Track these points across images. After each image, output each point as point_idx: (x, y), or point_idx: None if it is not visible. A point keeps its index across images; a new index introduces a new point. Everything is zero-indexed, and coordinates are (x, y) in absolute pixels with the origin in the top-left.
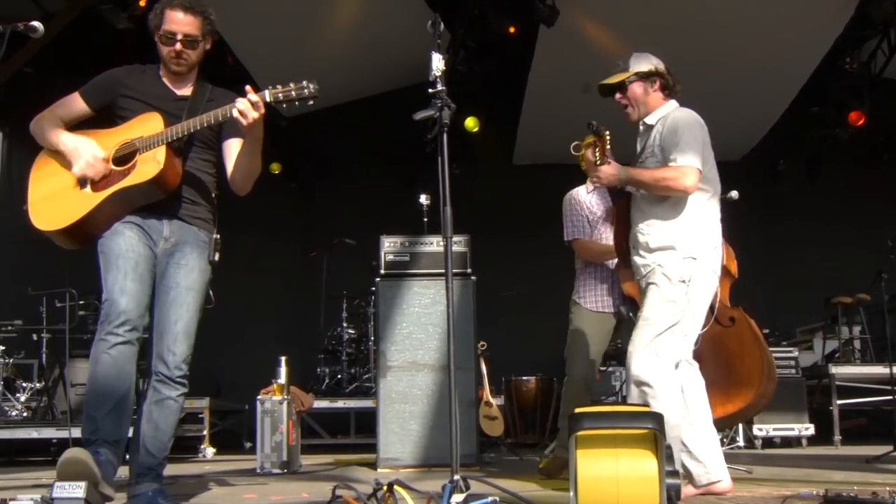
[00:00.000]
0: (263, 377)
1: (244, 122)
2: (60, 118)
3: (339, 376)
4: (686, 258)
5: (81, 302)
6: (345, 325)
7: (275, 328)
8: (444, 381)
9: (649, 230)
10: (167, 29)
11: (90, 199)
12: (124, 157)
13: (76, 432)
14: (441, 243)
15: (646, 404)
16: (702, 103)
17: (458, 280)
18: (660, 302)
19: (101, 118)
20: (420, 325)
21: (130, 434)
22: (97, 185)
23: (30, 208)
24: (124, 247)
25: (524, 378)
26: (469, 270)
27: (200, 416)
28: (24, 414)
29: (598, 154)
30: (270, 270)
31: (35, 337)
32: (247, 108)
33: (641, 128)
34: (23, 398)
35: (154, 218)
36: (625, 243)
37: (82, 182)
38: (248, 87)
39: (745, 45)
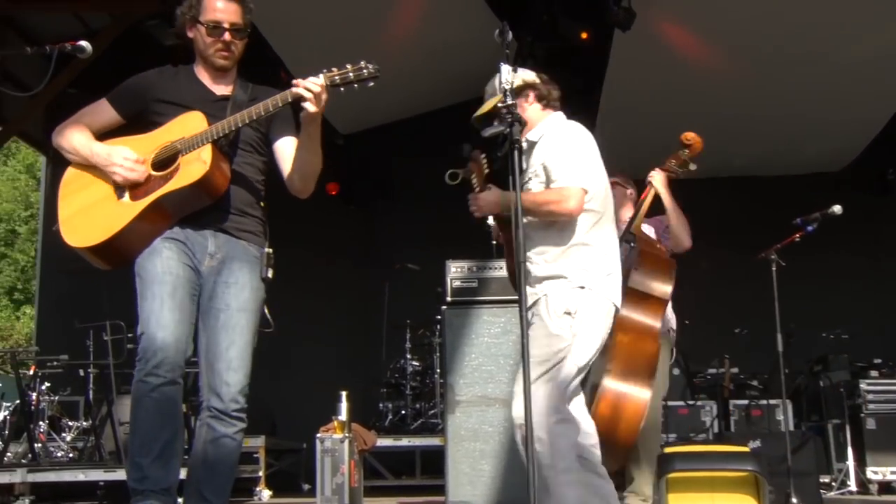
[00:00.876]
0: (322, 413)
1: (309, 108)
2: (88, 126)
3: (404, 412)
4: (574, 288)
5: (130, 335)
6: (409, 356)
7: (333, 359)
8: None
9: (537, 258)
10: (211, 18)
11: (129, 210)
12: (165, 161)
13: (124, 475)
14: None
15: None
16: (802, 108)
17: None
18: (543, 337)
19: (129, 127)
20: (490, 356)
21: (183, 475)
22: (136, 193)
23: (61, 226)
24: (160, 269)
25: None
26: None
27: (255, 455)
28: (71, 455)
29: (475, 180)
30: (328, 297)
31: (81, 373)
32: (308, 90)
33: (525, 146)
34: (69, 438)
35: (197, 232)
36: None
37: (119, 192)
38: (297, 81)
39: (849, 40)
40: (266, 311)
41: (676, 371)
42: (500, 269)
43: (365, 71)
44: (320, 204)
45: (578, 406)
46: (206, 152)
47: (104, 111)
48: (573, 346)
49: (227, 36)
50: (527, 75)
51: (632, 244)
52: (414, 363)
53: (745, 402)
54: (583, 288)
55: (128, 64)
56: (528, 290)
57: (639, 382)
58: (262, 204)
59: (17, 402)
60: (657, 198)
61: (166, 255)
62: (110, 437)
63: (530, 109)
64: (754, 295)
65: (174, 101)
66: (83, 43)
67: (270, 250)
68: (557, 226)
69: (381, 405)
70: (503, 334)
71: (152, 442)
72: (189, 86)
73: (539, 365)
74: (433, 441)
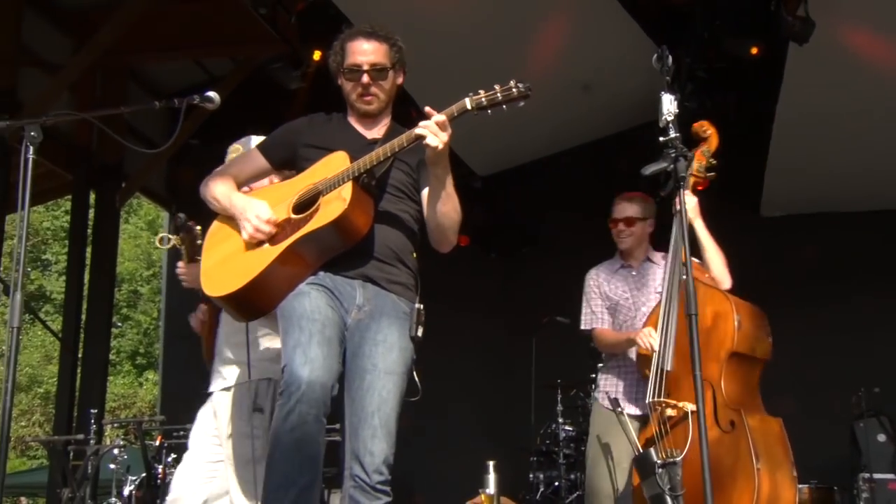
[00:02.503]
0: (466, 485)
1: (430, 148)
2: (234, 178)
3: (557, 483)
4: None
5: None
6: (560, 420)
7: (477, 425)
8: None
9: None
10: (351, 62)
11: (267, 255)
12: (306, 203)
13: None
14: None
15: None
16: None
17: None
18: None
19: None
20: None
21: None
22: (275, 239)
23: (201, 276)
24: (309, 307)
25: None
26: None
27: None
28: None
29: (183, 251)
30: (467, 355)
31: None
32: (430, 128)
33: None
34: None
35: (345, 280)
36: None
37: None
38: (428, 109)
39: None
40: (415, 375)
41: (882, 437)
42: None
43: (514, 90)
44: (455, 252)
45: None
46: (346, 190)
47: (254, 160)
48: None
49: (364, 78)
50: None
51: (685, 276)
52: (567, 428)
53: None
54: None
55: (251, 110)
56: None
57: (787, 478)
58: (414, 255)
59: (143, 475)
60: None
61: (314, 296)
62: None
63: None
64: None
65: (322, 146)
66: (211, 94)
67: (421, 306)
68: None
69: (531, 476)
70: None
71: (289, 486)
72: (340, 131)
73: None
74: None
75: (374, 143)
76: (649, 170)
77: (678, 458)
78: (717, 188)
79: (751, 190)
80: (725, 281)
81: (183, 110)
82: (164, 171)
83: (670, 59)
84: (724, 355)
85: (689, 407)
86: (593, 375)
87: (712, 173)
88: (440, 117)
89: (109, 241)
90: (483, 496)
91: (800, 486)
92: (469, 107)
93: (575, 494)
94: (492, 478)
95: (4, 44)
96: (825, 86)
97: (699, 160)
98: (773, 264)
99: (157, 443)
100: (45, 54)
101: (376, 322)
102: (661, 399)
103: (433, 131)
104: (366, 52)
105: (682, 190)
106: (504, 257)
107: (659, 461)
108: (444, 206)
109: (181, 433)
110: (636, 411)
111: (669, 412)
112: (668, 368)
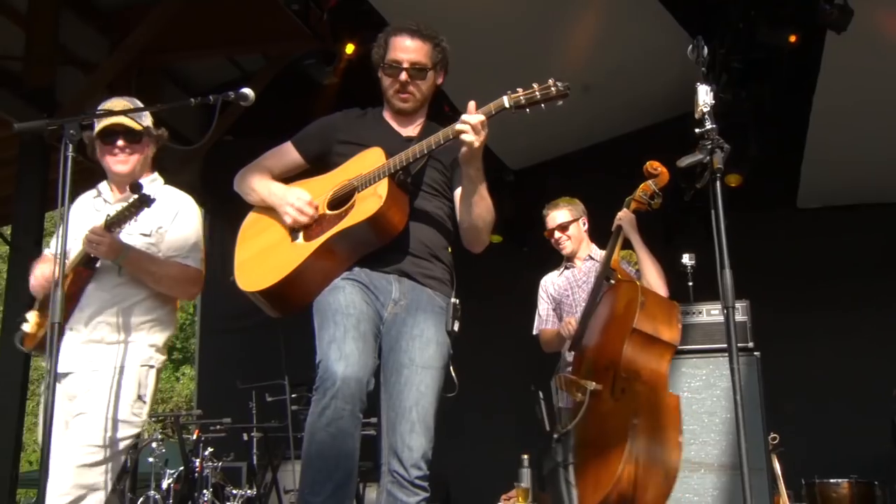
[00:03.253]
0: (501, 479)
1: (466, 146)
2: (269, 170)
3: None
4: None
5: (294, 395)
6: None
7: (512, 418)
8: (726, 484)
9: None
10: (392, 58)
11: (302, 251)
12: (341, 199)
13: None
14: (713, 312)
15: None
16: None
17: (739, 357)
18: None
19: (312, 170)
20: (691, 413)
21: None
22: (310, 234)
23: (236, 271)
24: (344, 302)
25: (832, 481)
26: (751, 344)
27: None
28: None
29: (113, 218)
30: (501, 348)
31: (245, 437)
32: (469, 125)
33: None
34: None
35: (380, 275)
36: None
37: (294, 234)
38: (471, 104)
39: None
40: (452, 370)
41: None
42: (698, 315)
43: (553, 89)
44: (488, 246)
45: None
46: (381, 187)
47: (287, 154)
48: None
49: (402, 76)
50: None
51: (611, 280)
52: None
53: None
54: None
55: (283, 106)
56: None
57: (670, 441)
58: (449, 250)
59: (181, 468)
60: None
61: (349, 290)
62: None
63: None
64: None
65: (357, 142)
66: (246, 90)
67: (457, 301)
68: None
69: None
70: (705, 388)
71: (325, 481)
72: (375, 127)
73: None
74: None
75: (409, 140)
76: (685, 162)
77: (570, 427)
78: (754, 181)
79: (787, 182)
80: (660, 292)
81: (218, 107)
82: (198, 168)
83: (706, 49)
84: (627, 333)
85: (591, 385)
86: None
87: (656, 202)
88: (479, 116)
89: None
90: (518, 490)
91: (839, 480)
92: (507, 105)
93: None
94: (526, 472)
95: (42, 44)
96: (863, 74)
97: (645, 189)
98: (810, 257)
99: (195, 437)
100: (81, 53)
101: (412, 316)
102: (566, 375)
103: (474, 129)
104: (407, 49)
105: (717, 182)
106: (535, 251)
107: (555, 434)
108: (476, 208)
109: (218, 427)
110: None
111: (575, 393)
112: (578, 351)
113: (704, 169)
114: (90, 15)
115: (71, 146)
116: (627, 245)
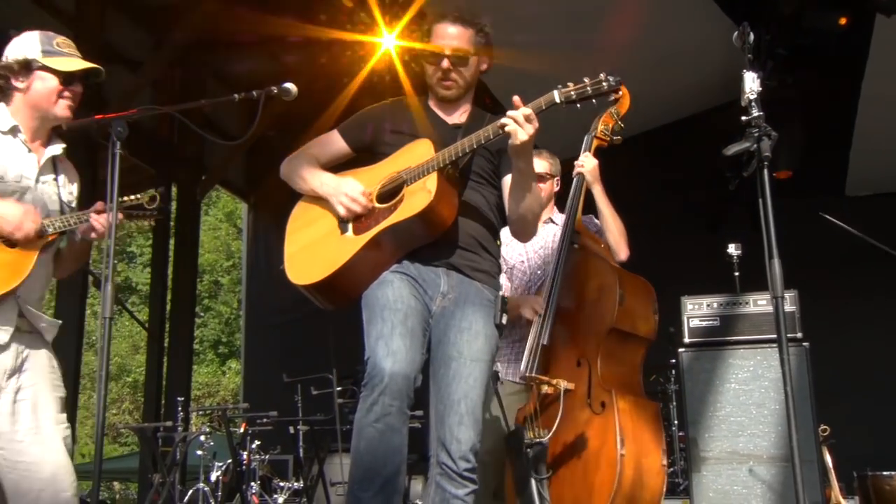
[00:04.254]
0: None
1: (515, 140)
2: (316, 158)
3: None
4: None
5: (339, 388)
6: None
7: None
8: (776, 476)
9: None
10: (434, 46)
11: (351, 244)
12: (390, 193)
13: None
14: (760, 302)
15: None
16: None
17: (789, 348)
18: None
19: (360, 159)
20: (739, 405)
21: None
22: (359, 227)
23: (286, 263)
24: (392, 297)
25: (886, 474)
26: (800, 335)
27: None
28: None
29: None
30: None
31: (291, 430)
32: (517, 120)
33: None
34: (280, 500)
35: (428, 268)
36: None
37: (343, 226)
38: (516, 99)
39: None
40: (497, 363)
41: None
42: (746, 305)
43: (604, 84)
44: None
45: None
46: (431, 181)
47: (334, 142)
48: None
49: (444, 63)
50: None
51: (575, 244)
52: None
53: None
54: None
55: (325, 101)
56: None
57: (654, 467)
58: (498, 242)
59: (229, 461)
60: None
61: (397, 285)
62: (322, 498)
63: None
64: None
65: (403, 131)
66: (288, 85)
67: (505, 293)
68: None
69: None
70: (753, 380)
71: (374, 476)
72: (420, 116)
73: None
74: (675, 503)
75: (456, 128)
76: (731, 150)
77: (545, 440)
78: (801, 168)
79: (835, 169)
80: (621, 252)
81: (261, 102)
82: (241, 163)
83: (752, 36)
84: (604, 331)
85: (563, 385)
86: (672, 360)
87: (618, 137)
88: (527, 110)
89: (191, 233)
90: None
91: (893, 472)
92: (558, 100)
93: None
94: None
95: (89, 42)
96: None
97: (606, 122)
98: (859, 245)
99: (242, 430)
100: (127, 51)
101: (461, 309)
102: (536, 375)
103: (519, 123)
104: (449, 36)
105: (764, 170)
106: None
107: (527, 440)
108: (526, 200)
109: (264, 420)
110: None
111: (545, 389)
112: (545, 343)
113: (751, 157)
114: (135, 12)
115: (119, 143)
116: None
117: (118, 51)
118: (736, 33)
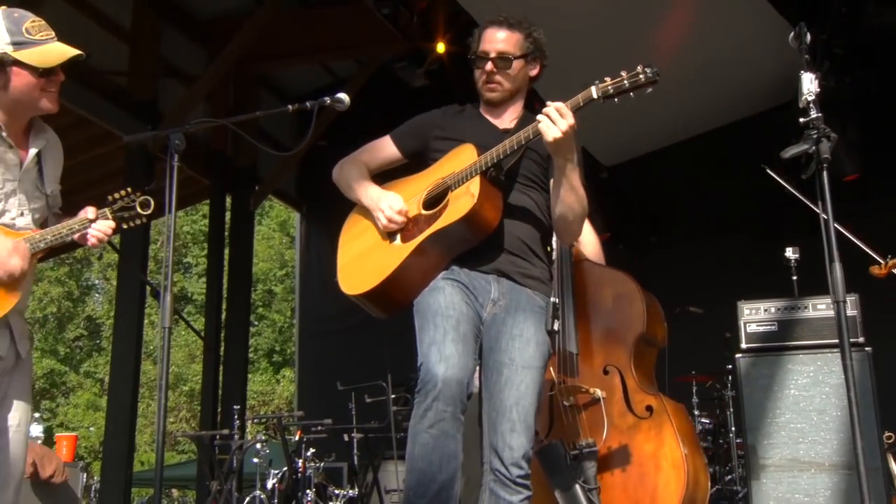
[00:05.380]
0: None
1: (547, 136)
2: (366, 164)
3: None
4: None
5: (393, 396)
6: (697, 412)
7: None
8: (838, 484)
9: None
10: (481, 49)
11: (399, 252)
12: (436, 199)
13: None
14: (819, 307)
15: None
16: None
17: (851, 353)
18: None
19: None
20: (799, 411)
21: None
22: (406, 235)
23: (338, 273)
24: (444, 303)
25: None
26: (862, 339)
27: None
28: None
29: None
30: None
31: (346, 438)
32: (550, 116)
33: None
34: None
35: (479, 274)
36: None
37: (392, 235)
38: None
39: None
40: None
41: None
42: (805, 310)
43: (641, 76)
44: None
45: None
46: (474, 185)
47: (385, 148)
48: None
49: (488, 66)
50: None
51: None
52: (703, 420)
53: None
54: None
55: (375, 110)
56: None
57: (700, 459)
58: (549, 248)
59: (285, 469)
60: None
61: (449, 291)
62: None
63: None
64: None
65: (453, 137)
66: (342, 95)
67: (557, 300)
68: None
69: None
70: (813, 385)
71: (429, 482)
72: (471, 122)
73: None
74: None
75: (506, 132)
76: (790, 152)
77: (595, 448)
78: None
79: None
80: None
81: (315, 112)
82: (294, 173)
83: (809, 36)
84: (633, 339)
85: (599, 393)
86: (729, 366)
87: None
88: (559, 105)
89: (245, 243)
90: None
91: None
92: (595, 95)
93: (714, 489)
94: None
95: (146, 58)
96: None
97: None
98: None
99: (297, 437)
100: (181, 65)
101: (512, 316)
102: (570, 383)
103: (552, 119)
104: (495, 40)
105: (824, 172)
106: (632, 248)
107: (571, 452)
108: (567, 199)
109: (319, 428)
110: None
111: (573, 399)
112: (574, 351)
113: (809, 159)
114: (189, 27)
115: (177, 156)
116: None
117: (173, 65)
118: (792, 34)
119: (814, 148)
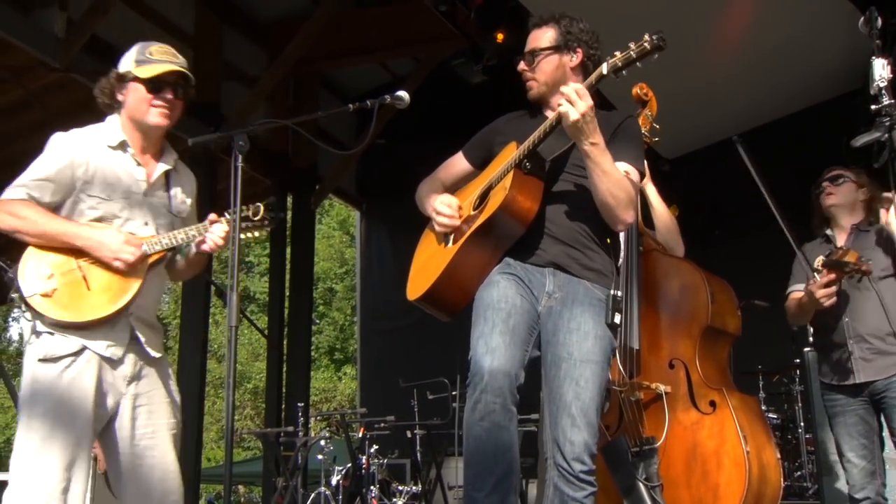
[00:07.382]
0: None
1: (567, 120)
2: (442, 181)
3: None
4: None
5: (454, 393)
6: (764, 407)
7: None
8: None
9: None
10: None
11: (447, 253)
12: (482, 198)
13: None
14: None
15: None
16: None
17: None
18: None
19: None
20: None
21: None
22: (457, 236)
23: (408, 283)
24: (496, 297)
25: None
26: None
27: None
28: None
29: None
30: None
31: (408, 434)
32: (567, 96)
33: None
34: (400, 503)
35: (534, 267)
36: None
37: (446, 239)
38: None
39: None
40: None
41: None
42: None
43: (647, 44)
44: None
45: None
46: (508, 178)
47: (458, 163)
48: None
49: (520, 66)
50: None
51: (640, 247)
52: (771, 416)
53: None
54: None
55: (434, 107)
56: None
57: (771, 455)
58: (608, 240)
59: (349, 465)
60: None
61: (503, 285)
62: (440, 501)
63: None
64: None
65: (507, 140)
66: (401, 92)
67: (618, 292)
68: None
69: None
70: None
71: (486, 475)
72: (529, 124)
73: None
74: None
75: None
76: (861, 140)
77: (656, 445)
78: None
79: None
80: (679, 250)
81: (375, 111)
82: (353, 172)
83: (879, 21)
84: (698, 331)
85: (662, 388)
86: (797, 360)
87: (657, 139)
88: (576, 85)
89: (307, 242)
90: None
91: None
92: (605, 72)
93: (784, 485)
94: None
95: (208, 61)
96: None
97: (643, 125)
98: None
99: (360, 434)
100: (242, 67)
101: (569, 310)
102: (634, 379)
103: (571, 100)
104: (529, 41)
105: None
106: (695, 241)
107: (633, 449)
108: (602, 184)
109: (382, 425)
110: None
111: (638, 394)
112: (636, 346)
113: (882, 147)
114: (249, 29)
115: (241, 157)
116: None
117: (235, 67)
118: (862, 19)
119: (886, 136)
